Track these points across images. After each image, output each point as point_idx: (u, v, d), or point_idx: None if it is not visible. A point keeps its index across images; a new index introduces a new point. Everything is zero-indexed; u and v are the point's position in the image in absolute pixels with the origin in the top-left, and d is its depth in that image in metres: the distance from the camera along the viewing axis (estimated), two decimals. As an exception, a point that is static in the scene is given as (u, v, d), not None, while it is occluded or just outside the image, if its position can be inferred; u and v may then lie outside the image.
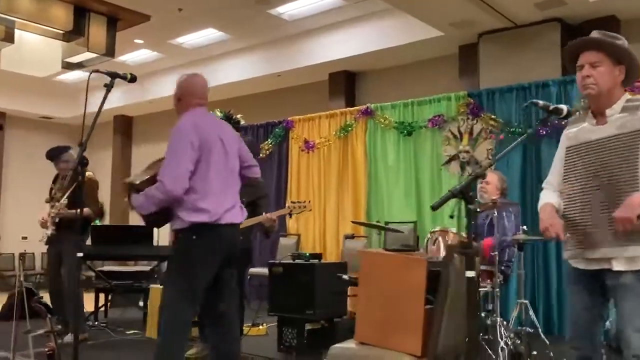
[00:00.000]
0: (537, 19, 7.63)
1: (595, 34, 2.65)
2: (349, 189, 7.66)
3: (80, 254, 2.97)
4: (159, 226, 3.51)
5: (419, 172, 7.05)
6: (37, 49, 9.15)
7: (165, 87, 11.60)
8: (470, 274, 1.84)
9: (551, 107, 2.51)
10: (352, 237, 7.17)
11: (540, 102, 2.54)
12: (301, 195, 7.90)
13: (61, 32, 8.91)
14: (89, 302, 6.07)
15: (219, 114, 9.20)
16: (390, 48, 9.06)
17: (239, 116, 9.24)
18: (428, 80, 9.02)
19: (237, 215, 3.29)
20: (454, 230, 4.67)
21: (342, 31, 9.50)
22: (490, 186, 5.14)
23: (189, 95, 3.38)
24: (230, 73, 10.78)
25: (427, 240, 4.59)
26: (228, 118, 9.11)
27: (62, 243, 5.39)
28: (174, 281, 3.20)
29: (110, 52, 9.26)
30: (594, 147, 2.54)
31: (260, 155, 8.74)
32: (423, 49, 8.91)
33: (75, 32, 8.91)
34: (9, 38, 8.87)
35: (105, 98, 3.13)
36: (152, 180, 3.21)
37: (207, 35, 10.09)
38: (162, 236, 9.99)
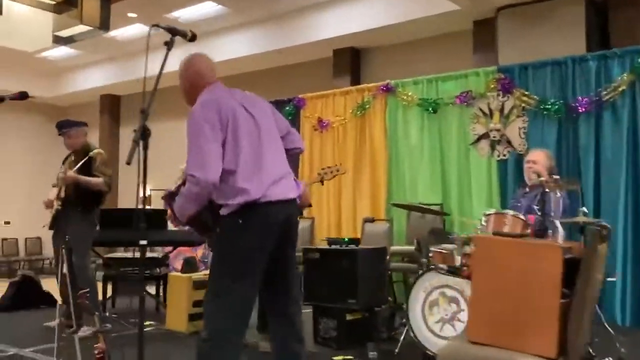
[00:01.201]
0: (561, -8, 7.30)
1: None
2: (367, 169, 7.24)
3: (143, 241, 2.51)
4: (208, 231, 3.00)
5: (444, 151, 6.68)
6: (26, 21, 8.54)
7: (157, 65, 11.04)
8: None
9: None
10: (372, 220, 6.79)
11: None
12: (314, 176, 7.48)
13: (52, 2, 8.33)
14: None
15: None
16: (400, 23, 8.62)
17: (243, 93, 8.78)
18: (438, 57, 8.63)
19: (288, 189, 2.84)
20: (512, 212, 4.35)
21: (348, 5, 9.06)
22: (538, 165, 4.84)
23: (197, 78, 2.97)
24: (227, 49, 10.26)
25: (484, 224, 4.26)
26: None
27: (69, 223, 4.94)
28: (220, 272, 2.77)
29: (105, 25, 8.67)
30: None
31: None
32: (434, 24, 8.51)
33: (67, 3, 8.34)
34: (-4, 8, 8.25)
35: (166, 58, 2.70)
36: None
37: (206, 9, 9.56)
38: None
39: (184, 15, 9.82)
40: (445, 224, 6.47)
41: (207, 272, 5.35)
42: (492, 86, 6.38)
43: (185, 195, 2.75)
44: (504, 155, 6.30)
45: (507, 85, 6.27)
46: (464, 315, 4.07)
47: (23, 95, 3.30)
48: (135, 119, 12.01)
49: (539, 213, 4.25)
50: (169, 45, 2.65)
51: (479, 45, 8.33)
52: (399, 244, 6.61)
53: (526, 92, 6.17)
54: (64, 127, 5.14)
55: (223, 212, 2.74)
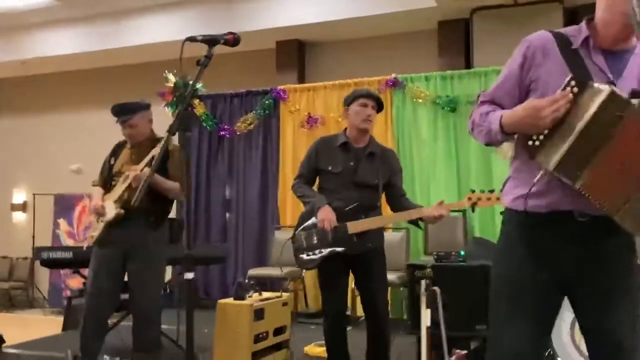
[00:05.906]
0: (540, -3, 7.28)
1: None
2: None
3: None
4: None
5: (461, 152, 6.23)
6: None
7: (40, 45, 9.21)
8: None
9: None
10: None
11: None
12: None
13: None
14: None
15: (172, 77, 7.47)
16: (360, 17, 8.05)
17: (199, 85, 7.60)
18: (397, 58, 8.17)
19: None
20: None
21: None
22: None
23: None
24: (145, 33, 8.84)
25: None
26: (185, 85, 7.43)
27: (137, 242, 3.57)
28: None
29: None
30: None
31: (237, 132, 7.23)
32: (393, 22, 8.05)
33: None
34: None
35: None
36: None
37: None
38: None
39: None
40: (467, 232, 6.02)
41: (262, 295, 4.29)
42: (516, 86, 6.06)
43: None
44: (529, 159, 6.00)
45: (533, 85, 5.99)
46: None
47: (237, 39, 2.45)
48: (14, 108, 9.96)
49: None
50: None
51: (446, 47, 8.02)
52: (417, 256, 6.03)
53: (554, 94, 5.94)
54: (125, 112, 3.64)
55: None
